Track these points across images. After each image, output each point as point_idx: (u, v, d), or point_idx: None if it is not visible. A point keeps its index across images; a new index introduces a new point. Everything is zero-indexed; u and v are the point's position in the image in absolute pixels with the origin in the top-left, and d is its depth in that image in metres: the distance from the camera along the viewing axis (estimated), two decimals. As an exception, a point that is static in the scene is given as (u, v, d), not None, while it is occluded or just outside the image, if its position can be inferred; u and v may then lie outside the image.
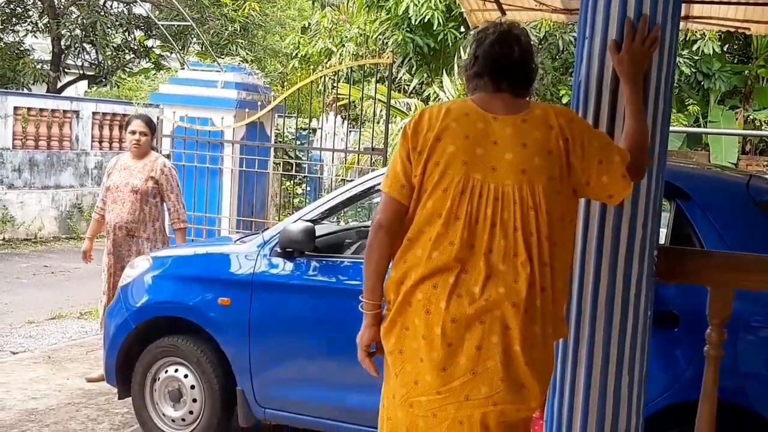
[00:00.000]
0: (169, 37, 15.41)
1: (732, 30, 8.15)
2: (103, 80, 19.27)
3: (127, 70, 19.61)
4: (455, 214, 2.33)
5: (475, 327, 2.30)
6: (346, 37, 14.56)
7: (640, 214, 2.59)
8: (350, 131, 13.55)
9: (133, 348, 4.76)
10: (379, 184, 3.96)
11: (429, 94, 13.25)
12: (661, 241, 3.62)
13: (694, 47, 14.12)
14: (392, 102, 11.78)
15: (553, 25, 12.64)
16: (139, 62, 20.20)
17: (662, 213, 3.23)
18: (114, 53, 18.87)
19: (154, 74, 18.01)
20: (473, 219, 2.32)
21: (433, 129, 2.39)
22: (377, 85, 10.80)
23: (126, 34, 18.90)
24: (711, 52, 14.07)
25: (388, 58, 8.68)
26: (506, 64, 2.45)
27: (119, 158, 5.94)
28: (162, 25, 14.88)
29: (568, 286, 2.50)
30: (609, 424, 2.61)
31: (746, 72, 16.35)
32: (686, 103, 15.23)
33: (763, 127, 15.43)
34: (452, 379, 2.31)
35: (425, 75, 14.11)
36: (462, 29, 13.26)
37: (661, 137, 2.62)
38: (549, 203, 2.32)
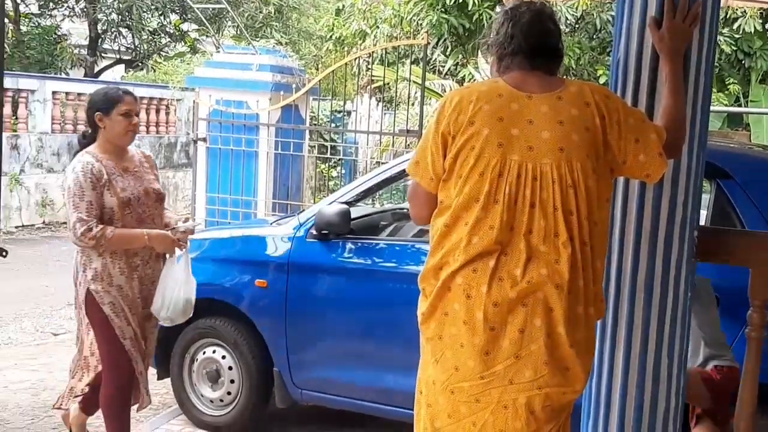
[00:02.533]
0: (204, 20, 15.48)
1: (774, 7, 8.01)
2: (140, 64, 19.42)
3: (163, 54, 19.76)
4: (494, 198, 2.28)
5: (518, 310, 2.26)
6: (381, 18, 14.49)
7: (680, 194, 2.55)
8: (385, 113, 13.53)
9: (172, 329, 4.80)
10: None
11: (464, 75, 13.16)
12: (703, 221, 3.59)
13: (735, 25, 13.85)
14: (427, 83, 11.71)
15: (591, 3, 12.48)
16: (174, 46, 20.35)
17: (703, 193, 3.19)
18: (150, 37, 19.02)
19: (190, 58, 18.12)
20: (512, 200, 2.27)
21: (465, 113, 2.33)
22: (412, 66, 10.74)
23: (162, 18, 19.02)
24: (752, 30, 13.79)
25: (422, 39, 8.65)
26: (544, 42, 2.41)
27: (93, 159, 3.77)
28: (197, 8, 14.92)
29: (605, 266, 2.46)
30: (648, 406, 2.59)
31: (788, 50, 16.01)
32: (727, 83, 14.97)
33: (805, 107, 15.12)
34: (495, 364, 2.27)
35: (460, 56, 14.00)
36: (497, 9, 13.13)
37: (702, 116, 2.57)
38: (587, 181, 2.27)
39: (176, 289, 3.94)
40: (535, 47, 2.40)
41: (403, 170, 4.32)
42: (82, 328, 3.95)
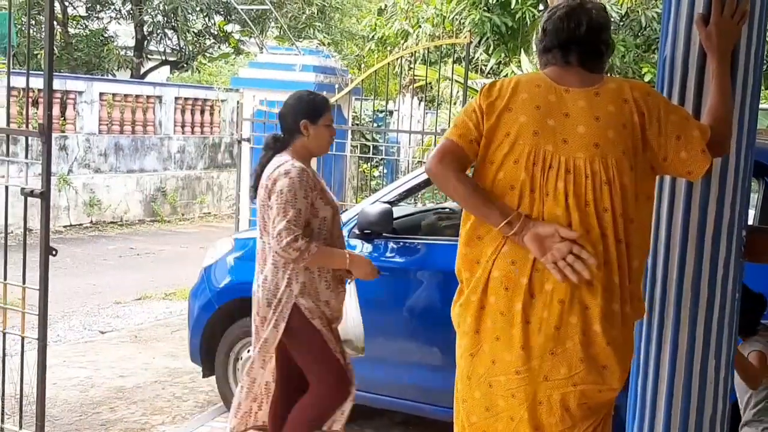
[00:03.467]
0: (248, 21, 15.63)
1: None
2: (185, 65, 19.64)
3: (208, 55, 19.94)
4: (530, 187, 2.27)
5: (554, 306, 2.26)
6: (423, 17, 14.46)
7: (728, 193, 2.51)
8: (427, 113, 13.51)
9: (217, 328, 4.85)
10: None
11: (507, 73, 13.09)
12: (751, 221, 3.53)
13: (785, 20, 13.61)
14: (469, 83, 11.67)
15: (636, 0, 12.33)
16: (219, 47, 20.53)
17: (752, 192, 3.14)
18: (195, 39, 19.21)
19: (234, 59, 18.28)
20: (544, 192, 2.26)
21: (503, 98, 2.33)
22: (454, 65, 10.72)
23: (206, 19, 19.20)
24: (803, 25, 13.54)
25: (465, 38, 8.62)
26: (573, 37, 2.39)
27: (304, 165, 3.56)
28: (241, 9, 15.06)
29: (644, 266, 2.43)
30: (695, 408, 2.55)
31: (840, 45, 15.67)
32: (776, 79, 14.71)
33: None
34: (531, 359, 2.28)
35: (503, 54, 13.92)
36: (540, 7, 13.04)
37: (751, 114, 2.53)
38: (623, 178, 2.25)
39: (358, 319, 3.76)
40: (565, 42, 2.40)
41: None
42: (265, 348, 3.56)
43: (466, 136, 2.36)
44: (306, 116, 3.55)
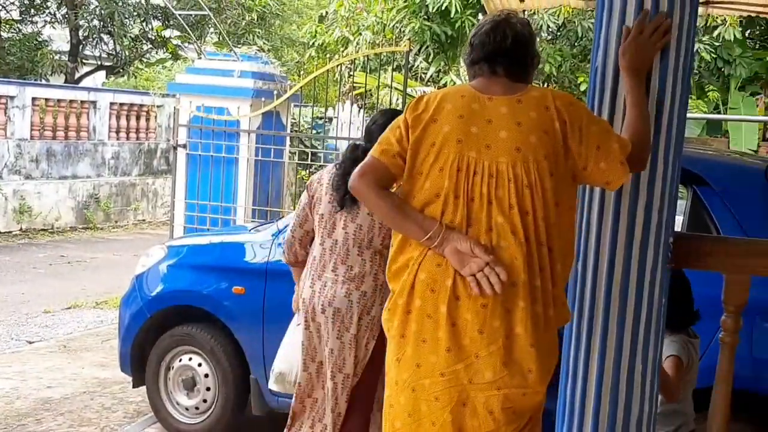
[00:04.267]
0: (186, 27, 15.44)
1: (753, 15, 8.04)
2: (121, 71, 19.33)
3: (145, 60, 19.67)
4: (454, 193, 2.32)
5: (477, 309, 2.29)
6: (363, 25, 14.49)
7: (656, 201, 2.54)
8: (366, 120, 13.50)
9: (148, 337, 4.77)
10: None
11: (446, 82, 13.17)
12: (679, 227, 3.59)
13: (715, 33, 13.95)
14: (409, 90, 11.70)
15: (572, 11, 12.52)
16: (156, 52, 20.27)
17: (680, 200, 3.19)
18: (131, 43, 18.91)
19: (172, 64, 18.06)
20: (469, 197, 2.31)
21: (429, 110, 2.39)
22: (394, 73, 10.75)
23: (144, 24, 18.94)
24: (732, 38, 13.89)
25: (404, 46, 8.65)
26: (499, 49, 2.45)
27: None
28: (179, 14, 14.89)
29: (569, 271, 2.46)
30: (622, 411, 2.58)
31: (767, 58, 16.15)
32: (706, 90, 15.07)
33: (784, 114, 15.25)
34: (456, 362, 2.31)
35: (442, 63, 14.02)
36: (480, 17, 13.17)
37: (678, 124, 2.57)
38: (544, 183, 2.30)
39: (298, 353, 3.66)
40: (492, 53, 2.45)
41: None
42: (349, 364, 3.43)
43: (388, 152, 2.42)
44: None
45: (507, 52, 2.45)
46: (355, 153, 3.45)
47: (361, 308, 3.41)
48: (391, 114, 3.56)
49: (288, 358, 3.74)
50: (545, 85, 12.96)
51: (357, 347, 3.41)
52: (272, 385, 3.89)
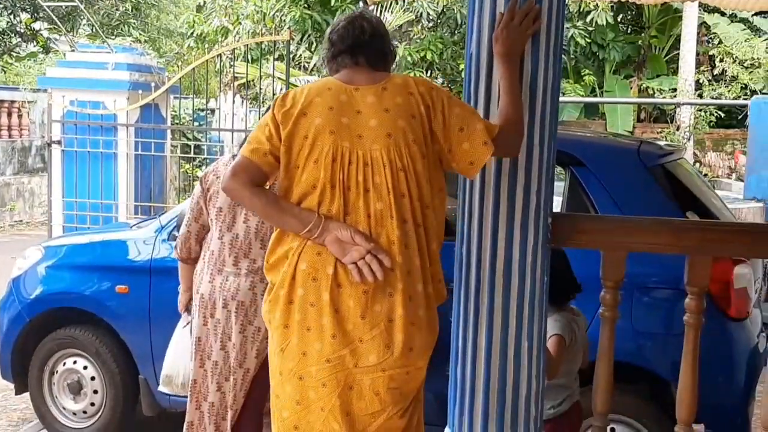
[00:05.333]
0: (55, 19, 14.84)
1: (624, 0, 8.35)
2: (-11, 65, 18.43)
3: (14, 54, 18.80)
4: (330, 183, 2.38)
5: (359, 295, 2.37)
6: (243, 14, 14.29)
7: (533, 182, 2.61)
8: (250, 110, 13.34)
9: (29, 341, 4.60)
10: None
11: (329, 71, 13.16)
12: (558, 208, 3.70)
13: (588, 18, 14.43)
14: (293, 79, 11.62)
15: (450, -1, 12.72)
16: (26, 46, 19.40)
17: (559, 181, 3.29)
18: (-1, 37, 18.06)
19: (43, 58, 17.35)
20: (345, 186, 2.38)
21: (297, 105, 2.45)
22: (276, 63, 10.64)
23: (11, 17, 18.07)
24: (605, 23, 14.41)
25: (285, 35, 8.57)
26: (359, 40, 2.56)
27: None
28: (48, 6, 14.29)
29: (440, 249, 2.56)
30: (510, 389, 2.64)
31: (639, 41, 16.83)
32: (582, 74, 15.59)
33: (656, 95, 15.94)
34: (342, 347, 2.38)
35: (324, 52, 13.99)
36: (360, 4, 13.19)
37: (551, 106, 2.63)
38: (416, 165, 2.40)
39: (186, 357, 3.64)
40: (352, 45, 2.56)
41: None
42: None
43: (259, 151, 2.46)
44: None
45: (366, 43, 2.56)
46: None
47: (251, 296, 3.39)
48: None
49: (175, 361, 3.69)
50: (428, 73, 13.12)
51: (261, 340, 3.37)
52: (162, 388, 3.84)
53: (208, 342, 3.48)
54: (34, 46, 19.23)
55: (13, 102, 14.31)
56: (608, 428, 2.89)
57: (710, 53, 16.11)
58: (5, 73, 17.11)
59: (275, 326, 2.48)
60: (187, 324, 3.69)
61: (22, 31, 18.84)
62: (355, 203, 2.38)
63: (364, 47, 2.55)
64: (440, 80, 13.30)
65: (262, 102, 10.05)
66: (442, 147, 2.45)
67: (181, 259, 3.69)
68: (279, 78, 10.77)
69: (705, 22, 16.01)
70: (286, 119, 2.44)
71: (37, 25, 18.91)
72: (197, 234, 3.59)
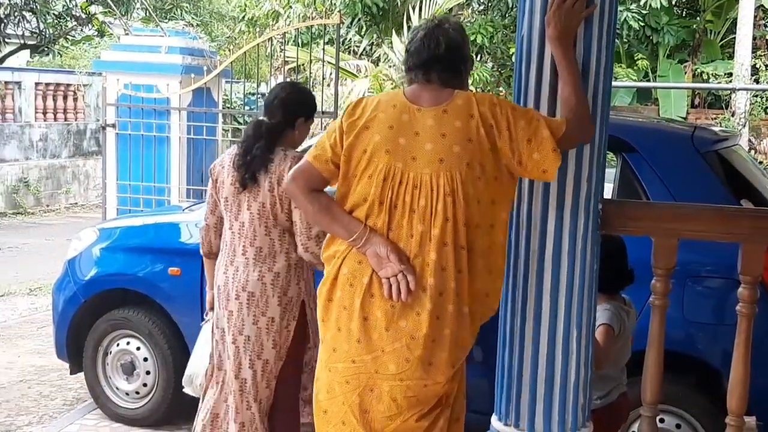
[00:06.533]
0: (110, 3, 15.05)
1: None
2: (45, 49, 18.78)
3: (70, 38, 19.14)
4: (379, 199, 2.48)
5: (386, 308, 2.48)
6: (293, -2, 14.35)
7: (584, 168, 2.59)
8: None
9: (84, 322, 4.69)
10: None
11: (379, 54, 13.14)
12: (609, 194, 3.66)
13: (642, 1, 14.18)
14: (342, 63, 11.64)
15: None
16: (82, 30, 19.72)
17: (610, 167, 3.25)
18: (56, 21, 18.38)
19: (98, 42, 17.60)
20: (393, 205, 2.47)
21: (363, 117, 2.53)
22: (326, 46, 10.67)
23: (68, 0, 18.39)
24: (659, 6, 14.14)
25: (335, 18, 8.57)
26: (433, 56, 2.57)
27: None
28: (103, -10, 14.49)
29: (498, 264, 2.57)
30: (559, 377, 2.63)
31: (694, 25, 16.49)
32: (635, 58, 15.33)
33: (711, 80, 15.62)
34: (365, 353, 2.51)
35: (375, 36, 13.98)
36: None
37: (604, 92, 2.61)
38: (467, 189, 2.44)
39: (207, 357, 3.62)
40: (426, 62, 2.57)
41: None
42: (277, 349, 3.41)
43: (321, 157, 2.58)
44: (303, 113, 3.47)
45: (440, 58, 2.57)
46: (259, 130, 3.39)
47: (277, 290, 3.34)
48: (299, 89, 3.52)
49: (196, 361, 3.67)
50: (478, 57, 13.03)
51: (277, 331, 3.35)
52: (185, 388, 3.85)
53: (229, 334, 3.42)
54: (90, 29, 19.53)
55: (68, 85, 14.58)
56: (657, 418, 2.86)
57: (767, 37, 15.71)
58: (61, 56, 17.41)
59: (320, 318, 2.64)
60: (208, 320, 3.67)
61: (78, 14, 19.15)
62: (399, 222, 2.48)
63: (437, 63, 2.57)
64: (490, 64, 13.20)
65: (312, 86, 10.09)
66: (512, 161, 2.48)
67: (204, 254, 3.65)
68: (329, 62, 10.78)
69: (762, 6, 15.62)
70: (350, 129, 2.53)
71: (92, 9, 19.21)
72: (215, 227, 3.56)
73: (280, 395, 3.43)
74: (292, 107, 3.43)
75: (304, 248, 3.29)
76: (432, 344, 2.47)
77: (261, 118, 3.50)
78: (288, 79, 12.43)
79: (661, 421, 3.43)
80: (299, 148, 3.52)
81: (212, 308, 3.57)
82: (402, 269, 2.43)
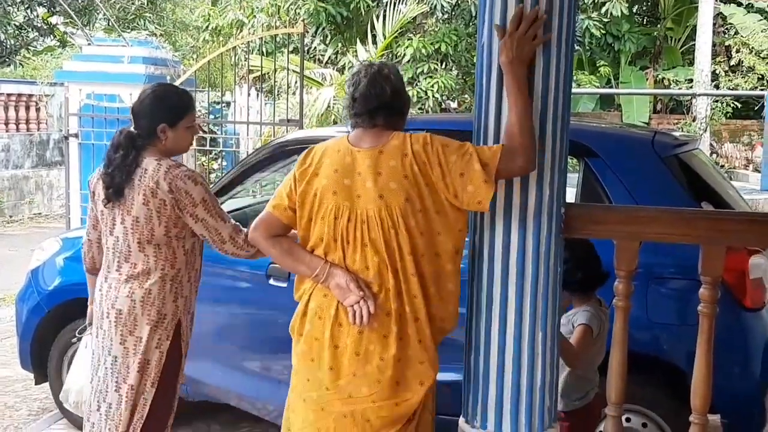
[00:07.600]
0: (71, 13, 14.91)
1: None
2: (6, 60, 18.52)
3: (32, 48, 18.91)
4: (333, 237, 2.67)
5: (354, 335, 2.64)
6: (257, 7, 14.30)
7: (546, 173, 2.62)
8: (265, 103, 13.38)
9: (48, 332, 4.64)
10: (280, 146, 4.32)
11: (344, 63, 13.16)
12: (572, 199, 3.70)
13: (603, 9, 14.36)
14: (307, 72, 11.63)
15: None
16: (43, 40, 19.49)
17: (573, 172, 3.28)
18: (16, 32, 18.14)
19: (60, 52, 17.44)
20: (345, 241, 2.66)
21: (313, 165, 2.72)
22: (290, 55, 10.66)
23: (28, 11, 18.17)
24: (620, 14, 14.33)
25: (300, 27, 8.58)
26: (380, 103, 2.69)
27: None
28: (64, 0, 14.37)
29: (448, 289, 2.69)
30: (525, 379, 2.66)
31: (655, 33, 16.74)
32: (597, 65, 15.52)
33: (672, 86, 15.85)
34: (338, 378, 2.67)
35: (339, 44, 13.99)
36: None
37: (564, 99, 2.65)
38: (407, 221, 2.60)
39: (86, 375, 3.35)
40: (373, 109, 2.70)
41: (266, 157, 4.34)
42: (147, 371, 3.13)
43: (280, 206, 2.79)
44: (164, 120, 3.13)
45: (386, 105, 2.71)
46: (118, 139, 3.14)
47: (147, 307, 3.08)
48: (155, 95, 3.19)
49: (73, 377, 3.51)
50: (442, 65, 13.09)
51: (144, 352, 3.08)
52: (63, 402, 3.69)
53: (102, 354, 3.18)
54: (51, 40, 19.32)
55: (30, 96, 14.43)
56: (623, 418, 2.90)
57: (726, 44, 16.00)
58: (23, 67, 17.23)
59: (294, 352, 2.81)
60: (80, 337, 3.54)
61: (39, 25, 18.92)
62: (352, 257, 2.65)
63: (384, 109, 2.70)
64: (455, 72, 13.27)
65: (277, 95, 10.08)
66: (448, 194, 2.60)
67: (87, 270, 3.40)
68: (294, 71, 10.78)
69: (721, 13, 15.90)
70: (302, 177, 2.73)
71: (53, 20, 18.98)
72: (98, 242, 3.30)
73: (150, 426, 3.15)
74: (152, 114, 3.13)
75: (224, 252, 3.13)
76: (398, 364, 2.63)
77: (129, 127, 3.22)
78: (255, 88, 12.41)
79: (627, 420, 3.47)
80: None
81: (91, 323, 3.35)
82: (362, 296, 2.61)
